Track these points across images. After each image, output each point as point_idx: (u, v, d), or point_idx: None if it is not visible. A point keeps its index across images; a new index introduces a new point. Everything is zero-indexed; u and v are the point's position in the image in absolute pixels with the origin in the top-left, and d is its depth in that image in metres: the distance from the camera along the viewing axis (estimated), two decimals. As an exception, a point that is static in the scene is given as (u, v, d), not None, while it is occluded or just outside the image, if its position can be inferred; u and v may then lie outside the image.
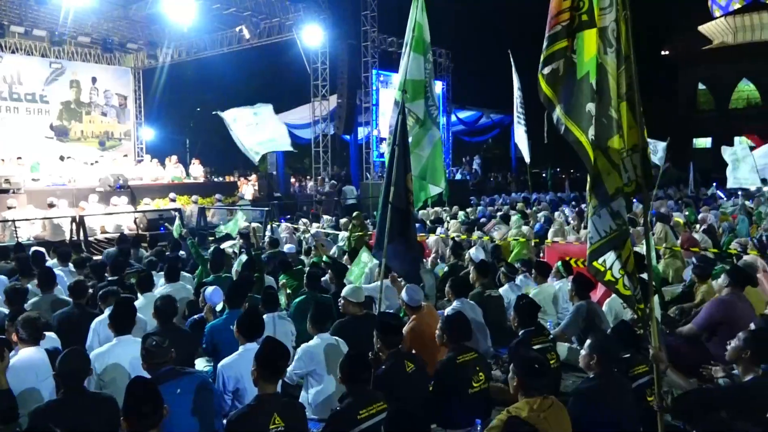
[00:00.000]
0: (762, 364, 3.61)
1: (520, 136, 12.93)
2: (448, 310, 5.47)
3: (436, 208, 14.83)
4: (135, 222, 13.78)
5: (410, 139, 5.47)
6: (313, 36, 19.83)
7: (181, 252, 9.67)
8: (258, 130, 10.48)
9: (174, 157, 19.34)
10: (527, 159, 12.92)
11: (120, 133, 23.34)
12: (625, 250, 3.61)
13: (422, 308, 5.33)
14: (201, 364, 5.23)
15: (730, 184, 12.02)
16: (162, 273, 7.07)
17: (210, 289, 5.59)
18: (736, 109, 47.89)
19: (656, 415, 3.71)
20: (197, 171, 19.54)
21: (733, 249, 8.38)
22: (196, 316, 5.72)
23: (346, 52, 21.39)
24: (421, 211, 14.47)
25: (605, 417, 3.58)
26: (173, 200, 15.35)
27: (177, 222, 11.47)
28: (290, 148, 10.86)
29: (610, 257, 3.60)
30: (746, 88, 47.94)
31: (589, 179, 3.60)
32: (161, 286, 6.59)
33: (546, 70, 3.60)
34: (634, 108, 3.50)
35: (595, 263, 3.63)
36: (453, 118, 27.40)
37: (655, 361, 3.67)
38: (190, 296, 6.57)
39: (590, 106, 3.48)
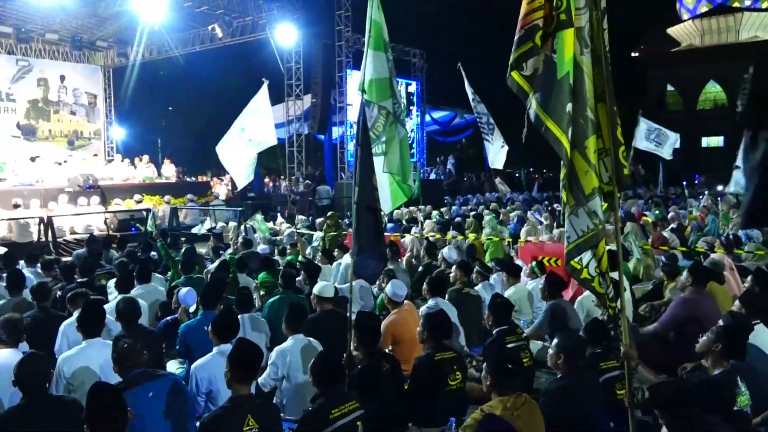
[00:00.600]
0: (731, 359, 3.69)
1: (489, 148, 12.13)
2: (423, 309, 5.53)
3: (411, 208, 14.88)
4: (105, 223, 13.57)
5: (384, 138, 5.46)
6: (286, 35, 19.71)
7: (153, 253, 9.54)
8: (250, 145, 9.89)
9: (145, 157, 19.07)
10: (498, 165, 12.44)
11: (89, 132, 22.93)
12: (599, 248, 3.65)
13: (404, 304, 5.41)
14: (173, 366, 5.17)
15: (733, 189, 12.07)
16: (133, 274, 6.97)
17: (184, 290, 5.53)
18: (703, 110, 48.94)
19: (625, 409, 3.78)
20: (169, 171, 19.30)
21: (701, 247, 8.55)
22: (169, 318, 5.65)
23: (320, 52, 21.31)
24: (395, 211, 14.51)
25: (575, 415, 3.63)
26: (139, 202, 15.11)
27: (150, 219, 11.32)
28: (274, 142, 10.29)
29: (586, 256, 3.65)
30: (713, 90, 49.02)
31: (563, 179, 3.63)
32: (134, 288, 6.49)
33: (522, 71, 3.62)
34: (606, 109, 3.55)
35: (572, 261, 3.66)
36: (427, 118, 27.49)
37: (626, 358, 3.74)
38: (163, 298, 6.49)
39: (569, 107, 3.51)
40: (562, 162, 3.64)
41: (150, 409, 3.41)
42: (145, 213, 13.39)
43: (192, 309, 5.42)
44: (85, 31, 20.97)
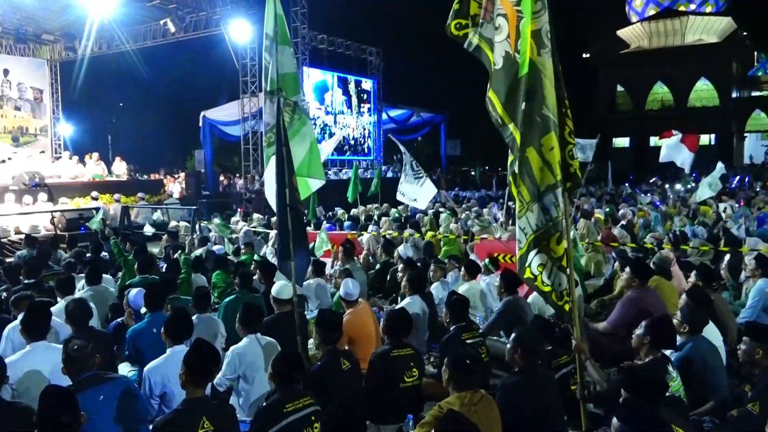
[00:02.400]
0: (661, 349, 3.86)
1: (416, 191, 10.95)
2: (401, 304, 5.62)
3: (369, 206, 14.89)
4: (53, 222, 13.13)
5: (289, 133, 5.40)
6: (241, 31, 19.44)
7: (104, 253, 9.29)
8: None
9: (95, 154, 18.54)
10: (422, 206, 11.87)
11: (35, 128, 22.17)
12: (559, 246, 3.74)
13: (358, 303, 5.42)
14: (125, 368, 5.04)
15: (702, 196, 12.60)
16: (83, 275, 6.77)
17: (134, 291, 5.39)
18: (651, 110, 50.49)
19: (579, 403, 3.88)
20: (120, 168, 18.83)
21: (649, 243, 8.81)
22: (119, 320, 5.51)
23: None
24: (353, 209, 14.49)
25: (531, 408, 3.69)
26: (95, 198, 14.75)
27: (98, 217, 11.02)
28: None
29: (531, 254, 3.73)
30: (661, 91, 50.62)
31: (512, 176, 3.72)
32: (81, 290, 6.31)
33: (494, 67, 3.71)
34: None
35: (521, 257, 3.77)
36: (384, 116, 27.55)
37: (577, 351, 3.85)
38: (113, 299, 6.32)
39: (524, 105, 3.60)
40: (512, 159, 3.71)
41: (100, 413, 3.32)
42: (94, 212, 13.02)
43: (144, 310, 5.29)
44: (29, 24, 20.23)
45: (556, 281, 3.76)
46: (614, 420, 2.62)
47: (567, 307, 3.81)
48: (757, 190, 21.76)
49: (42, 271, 7.12)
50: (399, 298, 6.45)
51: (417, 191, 10.69)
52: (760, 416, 3.26)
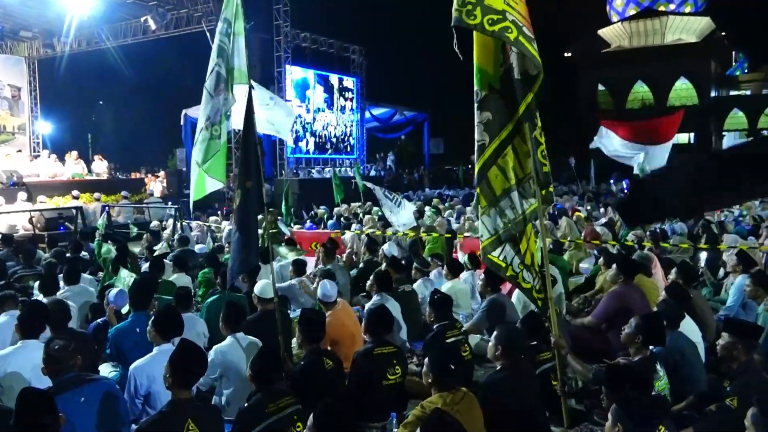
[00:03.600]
0: (651, 346, 3.92)
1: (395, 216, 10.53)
2: (368, 304, 5.54)
3: (352, 204, 14.88)
4: (31, 221, 12.93)
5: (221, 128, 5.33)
6: (223, 29, 19.26)
7: (84, 252, 9.18)
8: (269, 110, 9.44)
9: (74, 153, 18.24)
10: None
11: (13, 126, 21.79)
12: (524, 244, 3.96)
13: (337, 304, 5.38)
14: (106, 369, 4.99)
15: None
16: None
17: (114, 291, 5.34)
18: (632, 109, 50.92)
19: (560, 399, 3.93)
20: (100, 167, 18.57)
21: (630, 241, 8.91)
22: (99, 320, 5.44)
23: (257, 47, 20.98)
24: (336, 208, 14.46)
25: (513, 405, 3.72)
26: (76, 198, 14.55)
27: (101, 219, 10.85)
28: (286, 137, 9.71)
29: (509, 253, 3.91)
30: (641, 90, 51.10)
31: (476, 181, 3.93)
32: (61, 290, 6.23)
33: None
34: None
35: (493, 257, 3.95)
36: (367, 114, 27.52)
37: (556, 348, 3.91)
38: (93, 299, 6.25)
39: (488, 115, 3.81)
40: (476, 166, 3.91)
41: (81, 415, 3.29)
42: (74, 211, 12.86)
43: (124, 311, 5.23)
44: (7, 20, 19.88)
45: (532, 278, 3.99)
46: (613, 407, 2.68)
47: (539, 303, 4.05)
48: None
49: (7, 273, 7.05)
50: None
51: (401, 215, 10.63)
52: (739, 411, 3.31)
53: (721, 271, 7.78)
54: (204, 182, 5.26)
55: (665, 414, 3.15)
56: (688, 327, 4.70)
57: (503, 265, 3.96)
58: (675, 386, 4.08)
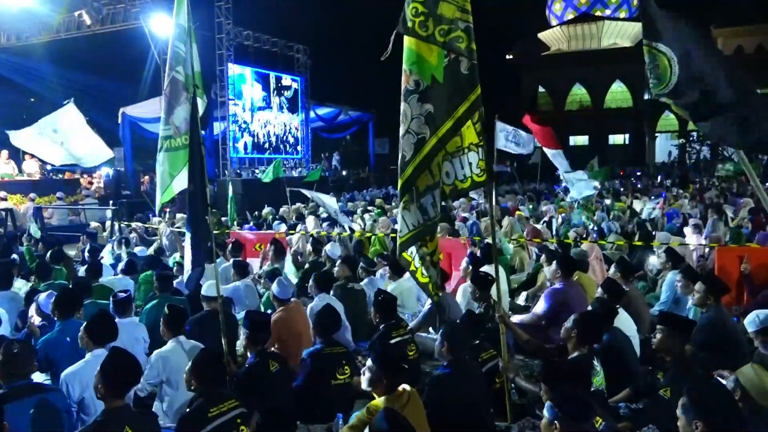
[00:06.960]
0: (587, 344, 4.03)
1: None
2: (311, 305, 5.52)
3: (298, 205, 14.74)
4: (-43, 225, 12.29)
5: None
6: (162, 25, 18.73)
7: (14, 255, 8.76)
8: (67, 145, 9.69)
9: (5, 152, 17.38)
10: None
11: (-64, 124, 20.65)
12: (432, 242, 4.16)
13: (290, 302, 5.41)
14: (39, 378, 4.77)
15: (574, 196, 12.94)
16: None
17: (43, 295, 5.09)
18: (570, 111, 52.47)
19: (505, 395, 4.01)
20: (32, 167, 17.77)
21: (570, 239, 9.17)
22: (20, 334, 5.18)
23: (199, 44, 20.52)
24: (282, 209, 14.30)
25: (459, 401, 3.77)
26: (4, 199, 13.91)
27: (33, 225, 10.37)
28: (111, 155, 10.23)
29: (413, 249, 4.06)
30: (579, 92, 52.71)
31: (399, 177, 3.92)
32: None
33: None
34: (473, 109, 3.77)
35: (404, 254, 4.08)
36: (312, 114, 27.31)
37: (505, 372, 4.06)
38: (22, 306, 5.96)
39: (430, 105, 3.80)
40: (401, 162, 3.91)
41: (26, 426, 3.15)
42: (3, 213, 12.28)
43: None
44: (-73, 12, 18.84)
45: (432, 273, 4.21)
46: (547, 403, 2.73)
47: (436, 299, 4.54)
48: (668, 186, 22.98)
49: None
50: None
51: (328, 202, 10.73)
52: (671, 401, 3.45)
53: (654, 267, 8.09)
54: (172, 187, 5.53)
55: (603, 407, 3.25)
56: (624, 321, 4.87)
57: (409, 259, 4.13)
58: (611, 380, 4.22)
